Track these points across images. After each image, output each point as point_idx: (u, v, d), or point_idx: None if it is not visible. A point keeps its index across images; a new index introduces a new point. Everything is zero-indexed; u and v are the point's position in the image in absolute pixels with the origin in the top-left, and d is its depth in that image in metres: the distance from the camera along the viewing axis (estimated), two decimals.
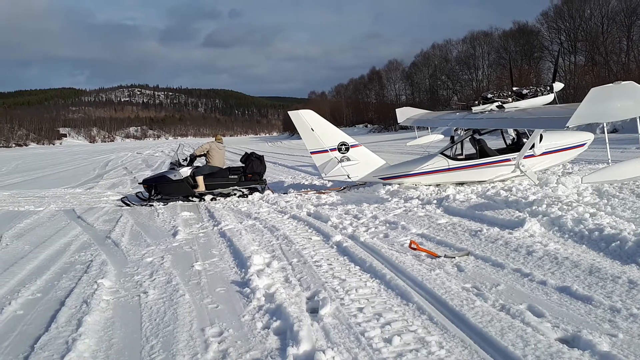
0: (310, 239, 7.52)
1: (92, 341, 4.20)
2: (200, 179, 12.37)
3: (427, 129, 17.28)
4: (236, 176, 12.65)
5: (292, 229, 8.34)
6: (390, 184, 11.40)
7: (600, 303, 4.23)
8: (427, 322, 4.14)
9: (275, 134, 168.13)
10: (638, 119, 7.85)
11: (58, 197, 14.62)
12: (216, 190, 12.59)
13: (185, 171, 12.45)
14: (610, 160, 9.86)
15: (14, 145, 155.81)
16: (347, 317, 4.33)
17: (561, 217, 6.94)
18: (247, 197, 12.36)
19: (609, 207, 7.57)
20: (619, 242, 5.69)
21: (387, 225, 8.04)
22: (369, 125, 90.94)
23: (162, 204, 12.18)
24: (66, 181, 20.79)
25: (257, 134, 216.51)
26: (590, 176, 7.88)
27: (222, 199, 12.36)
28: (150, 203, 12.26)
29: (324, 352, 3.64)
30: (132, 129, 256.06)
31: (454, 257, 5.88)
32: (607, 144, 10.19)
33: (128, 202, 12.40)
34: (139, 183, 13.24)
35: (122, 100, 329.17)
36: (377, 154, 12.30)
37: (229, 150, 49.49)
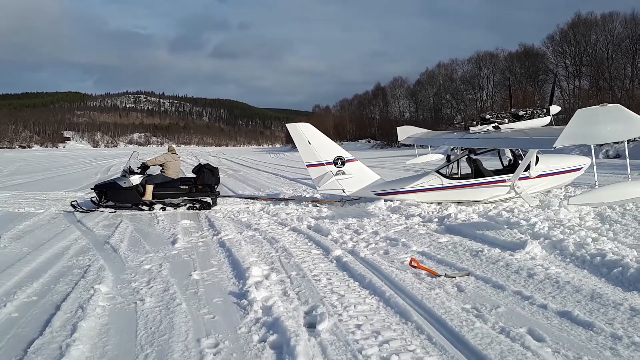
0: (310, 252, 7.48)
1: (86, 347, 4.15)
2: (149, 188, 12.27)
3: (428, 147, 17.35)
4: (187, 187, 12.53)
5: (292, 241, 8.30)
6: (384, 200, 11.40)
7: (601, 330, 4.17)
8: (425, 342, 4.09)
9: (278, 145, 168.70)
10: (625, 143, 7.93)
11: (59, 200, 14.61)
12: (166, 200, 12.49)
13: (136, 179, 12.35)
14: (597, 184, 9.91)
15: (17, 146, 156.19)
16: (345, 334, 4.28)
17: (563, 240, 6.90)
18: (197, 209, 12.31)
19: (611, 232, 7.52)
20: (621, 268, 5.64)
21: (388, 241, 7.99)
22: (371, 141, 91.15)
23: (112, 210, 12.18)
24: (68, 184, 20.78)
25: (260, 145, 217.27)
26: (575, 198, 8.04)
27: (173, 208, 12.34)
28: (100, 209, 12.25)
29: None
30: (135, 135, 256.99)
31: (454, 277, 5.83)
32: (595, 167, 10.24)
33: (77, 206, 12.33)
34: (91, 188, 13.19)
35: (128, 106, 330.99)
36: (378, 170, 12.34)
37: (232, 160, 49.58)
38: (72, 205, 12.45)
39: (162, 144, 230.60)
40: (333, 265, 6.66)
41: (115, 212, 12.16)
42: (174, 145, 15.33)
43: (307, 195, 14.32)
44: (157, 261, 7.16)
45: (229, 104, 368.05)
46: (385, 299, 5.14)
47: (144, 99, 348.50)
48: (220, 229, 9.49)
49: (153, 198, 12.32)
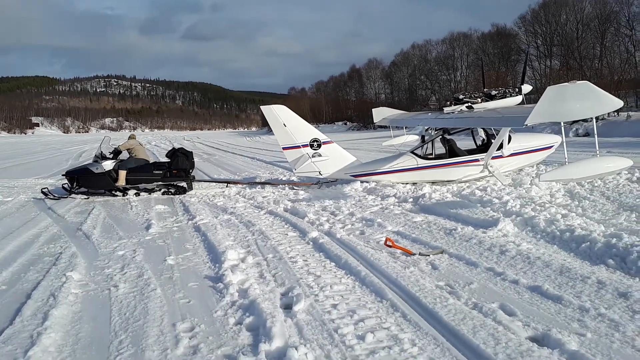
0: (287, 234, 7.47)
1: (58, 335, 4.08)
2: (122, 173, 12.06)
3: (403, 128, 17.44)
4: (161, 172, 12.33)
5: (269, 224, 8.29)
6: (360, 181, 11.45)
7: (569, 302, 4.29)
8: (400, 320, 4.14)
9: (254, 128, 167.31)
10: (594, 120, 8.10)
11: (28, 187, 14.24)
12: (141, 185, 12.31)
13: (108, 164, 12.13)
14: (567, 161, 10.15)
15: None
16: (321, 314, 4.31)
17: (534, 217, 7.05)
18: (172, 194, 12.20)
19: (580, 208, 7.72)
20: (589, 243, 5.80)
21: (364, 222, 8.04)
22: (348, 123, 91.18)
23: (84, 197, 11.99)
24: (37, 171, 20.28)
25: (235, 129, 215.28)
26: (546, 175, 8.23)
27: (148, 193, 12.26)
28: (71, 195, 12.04)
29: (296, 349, 3.60)
30: (107, 120, 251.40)
31: (429, 255, 5.91)
32: (564, 145, 10.47)
33: (48, 193, 12.09)
34: (62, 175, 12.91)
35: (98, 90, 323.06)
36: (354, 152, 12.37)
37: (207, 144, 49.01)
38: (42, 192, 12.15)
39: (134, 128, 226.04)
40: (309, 247, 6.67)
41: (87, 198, 11.92)
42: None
43: (284, 178, 14.27)
44: (131, 247, 7.06)
45: (203, 87, 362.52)
46: (361, 278, 5.18)
47: (115, 83, 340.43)
48: (196, 213, 9.40)
49: (126, 183, 12.10)
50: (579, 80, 7.06)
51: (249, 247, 6.80)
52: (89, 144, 55.11)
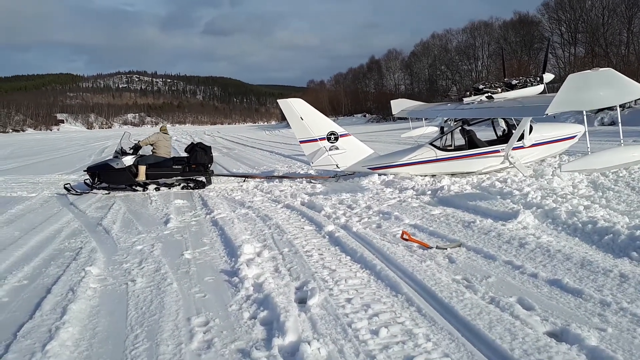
0: (303, 228, 7.46)
1: (76, 329, 4.14)
2: (142, 169, 12.17)
3: (423, 120, 17.24)
4: (180, 166, 12.39)
5: (285, 218, 8.28)
6: (378, 174, 11.36)
7: (590, 297, 4.18)
8: (415, 314, 4.09)
9: (273, 122, 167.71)
10: (618, 108, 7.82)
11: (52, 183, 14.52)
12: (160, 180, 12.40)
13: (128, 160, 12.24)
14: (589, 151, 9.86)
15: (10, 130, 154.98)
16: (335, 308, 4.28)
17: (555, 209, 6.88)
18: (192, 189, 12.25)
19: (603, 199, 7.52)
20: (612, 235, 5.64)
21: (381, 215, 7.97)
22: (367, 115, 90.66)
23: (105, 192, 12.14)
24: (61, 167, 20.67)
25: (255, 122, 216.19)
26: (567, 165, 7.98)
27: (167, 187, 12.32)
28: (93, 191, 12.19)
29: (309, 344, 3.59)
30: (129, 116, 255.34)
31: (446, 249, 5.83)
32: (587, 135, 10.16)
33: (70, 189, 12.26)
34: (84, 170, 13.09)
35: (120, 86, 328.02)
36: (372, 144, 12.27)
37: (227, 139, 49.33)
38: (65, 188, 12.37)
39: (156, 123, 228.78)
40: (325, 241, 6.65)
41: (108, 193, 12.10)
42: (167, 125, 15.23)
43: (302, 172, 14.26)
44: (149, 241, 7.14)
45: (223, 82, 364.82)
46: (376, 272, 5.14)
47: (136, 79, 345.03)
48: (214, 207, 9.46)
49: (146, 178, 12.24)
50: (604, 67, 6.85)
51: (265, 241, 6.80)
52: (111, 139, 55.98)
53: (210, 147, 12.98)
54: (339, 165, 11.85)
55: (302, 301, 4.53)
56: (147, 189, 12.24)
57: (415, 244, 6.06)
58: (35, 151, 36.82)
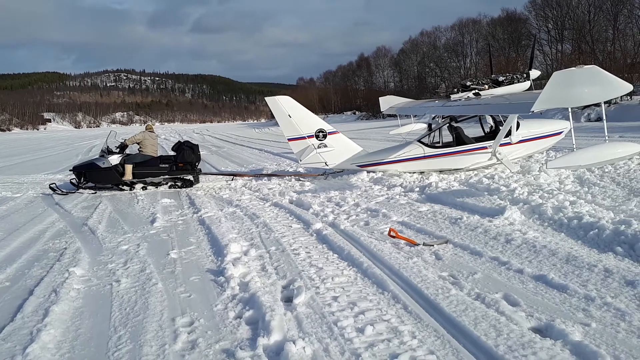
0: (291, 226, 7.43)
1: (58, 331, 4.08)
2: (128, 168, 12.05)
3: (411, 117, 17.28)
4: (167, 165, 12.28)
5: (273, 216, 8.24)
6: (366, 171, 11.36)
7: (575, 292, 4.20)
8: (401, 312, 4.08)
9: (263, 120, 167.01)
10: (603, 104, 7.85)
11: (37, 183, 14.34)
12: (147, 179, 12.28)
13: (115, 159, 12.11)
14: (575, 147, 9.92)
15: None
16: (321, 306, 4.26)
17: (541, 205, 6.92)
18: (179, 187, 12.19)
19: (589, 195, 7.58)
20: (597, 230, 5.68)
21: (369, 212, 7.96)
22: (357, 113, 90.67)
23: (92, 191, 12.02)
24: (47, 167, 20.42)
25: (245, 120, 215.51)
26: (554, 161, 8.02)
27: (154, 187, 12.25)
28: (79, 191, 12.07)
29: (294, 343, 3.56)
30: (118, 115, 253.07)
31: (433, 245, 5.83)
32: (572, 131, 10.22)
33: (55, 189, 12.13)
34: (70, 170, 12.95)
35: (108, 85, 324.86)
36: (362, 142, 12.26)
37: (216, 137, 49.06)
38: (50, 188, 12.22)
39: (145, 122, 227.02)
40: (313, 239, 6.62)
41: (95, 193, 11.97)
42: (155, 124, 15.10)
43: (291, 170, 14.21)
44: (135, 241, 7.06)
45: (212, 80, 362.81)
46: (363, 270, 5.12)
47: (124, 77, 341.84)
48: (201, 206, 9.39)
49: (133, 177, 12.12)
50: (591, 64, 6.88)
51: (252, 239, 6.76)
52: (99, 138, 55.46)
53: (197, 145, 12.87)
54: (327, 163, 11.83)
55: (288, 300, 4.51)
56: (134, 188, 12.12)
57: (403, 241, 6.06)
58: (21, 151, 36.36)
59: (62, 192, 12.03)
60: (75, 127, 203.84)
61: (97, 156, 12.81)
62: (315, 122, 12.06)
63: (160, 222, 8.26)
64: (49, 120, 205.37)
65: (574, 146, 9.81)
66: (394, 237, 6.13)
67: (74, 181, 12.48)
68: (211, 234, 7.21)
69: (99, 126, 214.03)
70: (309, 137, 11.80)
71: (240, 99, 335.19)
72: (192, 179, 12.47)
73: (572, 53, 48.78)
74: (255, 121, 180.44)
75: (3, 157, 29.66)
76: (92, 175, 12.19)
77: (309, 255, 5.85)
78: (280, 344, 3.61)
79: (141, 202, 10.49)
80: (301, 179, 12.16)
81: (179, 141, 13.08)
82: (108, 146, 12.54)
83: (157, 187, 12.24)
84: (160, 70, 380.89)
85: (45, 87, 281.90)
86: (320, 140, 11.79)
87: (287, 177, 12.52)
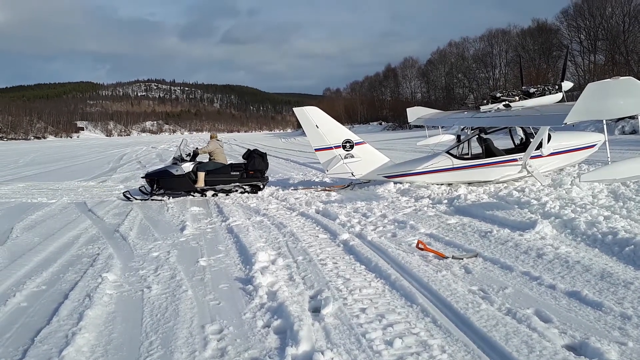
0: (317, 236, 7.45)
1: (92, 335, 4.18)
2: (201, 175, 12.31)
3: (439, 128, 17.13)
4: (238, 173, 12.53)
5: (300, 226, 8.28)
6: (393, 182, 11.31)
7: (610, 309, 4.09)
8: (430, 325, 4.05)
9: (289, 130, 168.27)
10: (639, 117, 7.64)
11: (71, 189, 14.76)
12: (218, 186, 12.52)
13: (187, 166, 12.38)
14: (609, 160, 9.66)
15: (32, 137, 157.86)
16: (349, 318, 4.25)
17: (574, 219, 6.77)
18: (248, 193, 12.34)
19: (624, 210, 7.37)
20: (633, 246, 5.53)
21: (396, 224, 7.92)
22: (383, 123, 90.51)
23: (165, 198, 12.22)
24: (80, 174, 20.99)
25: (271, 130, 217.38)
26: (587, 175, 7.81)
27: (225, 194, 12.39)
28: (152, 197, 12.27)
29: (322, 353, 3.57)
30: (148, 124, 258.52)
31: (462, 259, 5.76)
32: (607, 144, 9.96)
33: (129, 196, 12.39)
34: (142, 177, 13.23)
35: (139, 94, 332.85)
36: (388, 152, 12.23)
37: (243, 146, 49.60)
38: (124, 195, 12.51)
39: (174, 131, 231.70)
40: (340, 249, 6.62)
41: (162, 200, 12.10)
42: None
43: (317, 180, 14.26)
44: (165, 248, 7.19)
45: (240, 90, 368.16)
46: (391, 282, 5.10)
47: (155, 87, 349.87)
48: (229, 215, 9.50)
49: (205, 185, 12.40)
50: (625, 75, 6.73)
51: (279, 248, 6.81)
52: (130, 147, 56.77)
53: (266, 153, 13.08)
54: (354, 174, 11.84)
55: (315, 310, 4.51)
56: (205, 195, 12.37)
57: (431, 254, 6.01)
58: (55, 158, 37.43)
59: (136, 199, 12.30)
60: (107, 135, 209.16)
61: (169, 163, 13.10)
62: (342, 132, 12.11)
63: (189, 229, 8.39)
64: (82, 129, 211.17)
65: (609, 159, 9.57)
66: (422, 249, 6.08)
67: (142, 189, 12.82)
68: (239, 242, 7.28)
69: (129, 135, 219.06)
70: (336, 147, 11.84)
71: (267, 108, 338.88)
72: (260, 185, 12.67)
73: (605, 64, 47.77)
74: (282, 131, 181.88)
75: (39, 164, 30.61)
76: (165, 182, 12.47)
77: (336, 265, 5.85)
78: (309, 355, 3.62)
79: (171, 210, 10.68)
80: (327, 189, 12.14)
81: (249, 150, 13.30)
82: (181, 154, 12.88)
83: (227, 195, 12.43)
84: (190, 81, 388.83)
85: (79, 97, 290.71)
86: (347, 150, 11.82)
87: (313, 186, 12.52)
